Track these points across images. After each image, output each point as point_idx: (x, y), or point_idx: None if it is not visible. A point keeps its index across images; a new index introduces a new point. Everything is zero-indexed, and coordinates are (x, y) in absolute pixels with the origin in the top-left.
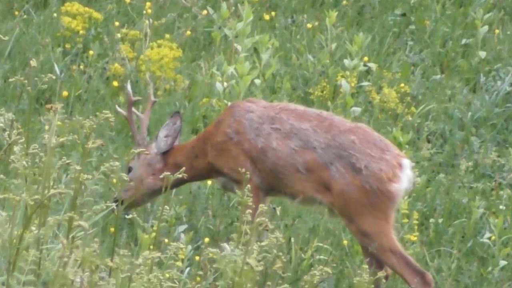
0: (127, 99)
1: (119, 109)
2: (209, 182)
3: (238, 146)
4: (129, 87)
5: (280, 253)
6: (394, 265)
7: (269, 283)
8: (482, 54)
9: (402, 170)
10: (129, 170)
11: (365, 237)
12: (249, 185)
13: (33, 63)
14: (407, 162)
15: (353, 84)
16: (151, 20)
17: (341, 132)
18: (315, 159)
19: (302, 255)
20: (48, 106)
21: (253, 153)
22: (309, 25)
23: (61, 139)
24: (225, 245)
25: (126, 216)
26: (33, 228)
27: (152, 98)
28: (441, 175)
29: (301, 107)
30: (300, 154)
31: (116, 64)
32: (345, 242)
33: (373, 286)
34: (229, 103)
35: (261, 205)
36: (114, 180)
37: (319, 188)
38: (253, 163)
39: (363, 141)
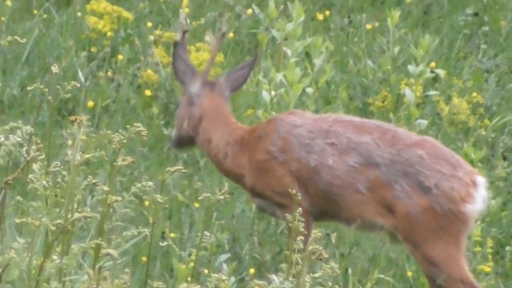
0: (180, 28)
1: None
2: (254, 205)
3: (284, 167)
4: (182, 15)
5: (336, 286)
6: None
7: None
8: None
9: (477, 189)
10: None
11: (432, 266)
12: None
13: (55, 69)
14: (482, 180)
15: (418, 93)
16: (188, 20)
17: (406, 146)
18: (378, 177)
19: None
20: (72, 118)
21: (304, 174)
22: (368, 26)
23: (87, 156)
24: (273, 276)
25: (161, 244)
26: (54, 257)
27: (224, 28)
28: None
29: (357, 118)
30: (360, 171)
31: (149, 70)
32: (409, 273)
33: None
34: (267, 120)
35: (314, 231)
36: (147, 203)
37: (381, 211)
38: (303, 184)
39: (432, 156)
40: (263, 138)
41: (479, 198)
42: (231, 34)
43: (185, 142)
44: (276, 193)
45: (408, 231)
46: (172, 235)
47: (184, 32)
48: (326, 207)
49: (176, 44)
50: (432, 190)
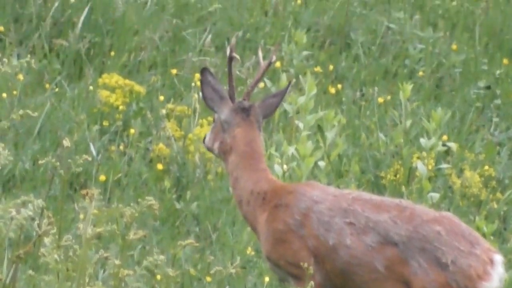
0: (228, 54)
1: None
2: (266, 279)
3: (301, 241)
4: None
5: None
6: None
7: None
8: None
9: (494, 267)
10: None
11: None
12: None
13: (66, 142)
14: (499, 258)
15: (430, 167)
16: (200, 94)
17: (424, 222)
18: (396, 254)
19: None
20: (83, 191)
21: (321, 251)
22: (380, 99)
23: (98, 230)
24: None
25: None
26: None
27: (262, 62)
28: None
29: (377, 197)
30: (378, 250)
31: (161, 144)
32: None
33: None
34: (290, 186)
35: None
36: (158, 277)
37: (398, 287)
38: (320, 261)
39: (450, 233)
40: (283, 208)
41: (496, 276)
42: None
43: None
44: (290, 264)
45: None
46: None
47: (231, 59)
48: (342, 284)
49: (203, 71)
50: (449, 266)
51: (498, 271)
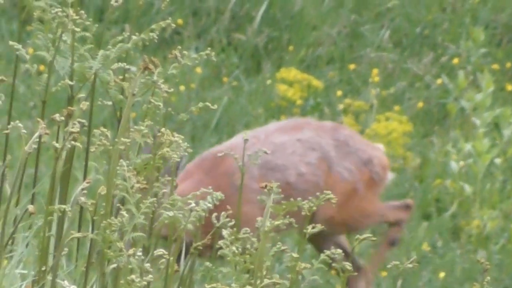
0: None
1: None
2: (442, 274)
3: None
4: None
5: None
6: None
7: None
8: None
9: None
10: None
11: None
12: None
13: (245, 135)
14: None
15: None
16: (378, 89)
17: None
18: None
19: None
20: (262, 184)
21: None
22: None
23: (276, 223)
24: None
25: None
26: None
27: None
28: None
29: None
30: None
31: None
32: None
33: None
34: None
35: None
36: (333, 271)
37: None
38: None
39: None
40: None
41: None
42: (420, 104)
43: None
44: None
45: None
46: None
47: None
48: None
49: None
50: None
51: None
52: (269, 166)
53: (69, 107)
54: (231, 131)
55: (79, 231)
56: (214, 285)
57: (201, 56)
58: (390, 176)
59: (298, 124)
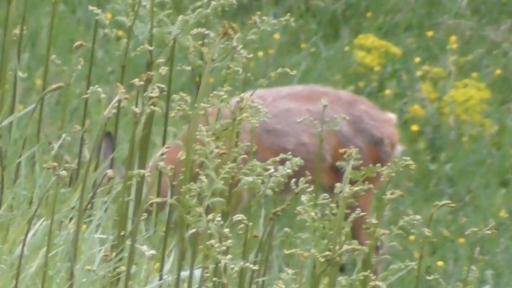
0: None
1: None
2: None
3: None
4: None
5: None
6: None
7: None
8: None
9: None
10: None
11: None
12: None
13: (324, 101)
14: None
15: None
16: (456, 56)
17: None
18: None
19: None
20: (342, 150)
21: None
22: None
23: (355, 189)
24: None
25: (427, 278)
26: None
27: None
28: None
29: None
30: None
31: (416, 106)
32: None
33: None
34: None
35: None
36: (412, 237)
37: None
38: None
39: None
40: None
41: None
42: (498, 71)
43: None
44: None
45: None
46: (440, 264)
47: None
48: None
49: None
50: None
51: None
52: (265, 127)
53: (148, 72)
54: None
55: (157, 196)
56: (293, 250)
57: (279, 22)
58: (399, 149)
59: (313, 94)
